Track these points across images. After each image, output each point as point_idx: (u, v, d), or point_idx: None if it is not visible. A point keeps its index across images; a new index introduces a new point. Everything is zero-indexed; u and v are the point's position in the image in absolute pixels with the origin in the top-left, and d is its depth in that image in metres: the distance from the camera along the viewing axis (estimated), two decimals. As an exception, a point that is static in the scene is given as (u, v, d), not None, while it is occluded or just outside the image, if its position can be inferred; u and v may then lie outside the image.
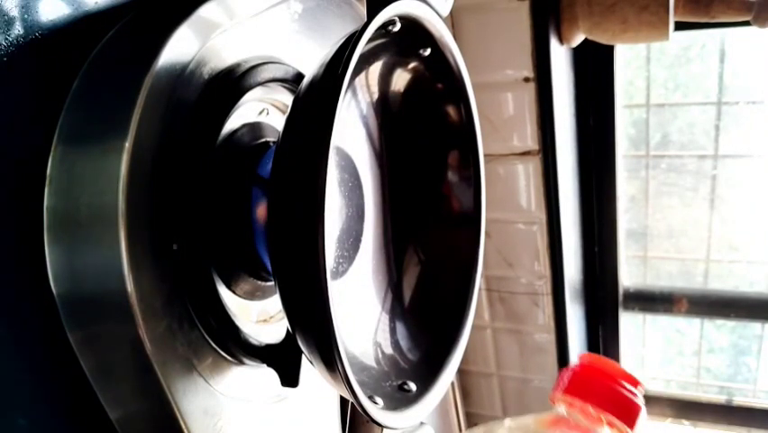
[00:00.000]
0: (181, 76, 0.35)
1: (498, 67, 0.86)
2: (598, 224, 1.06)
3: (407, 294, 0.49)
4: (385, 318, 0.47)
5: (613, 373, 0.30)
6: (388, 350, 0.45)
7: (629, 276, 1.14)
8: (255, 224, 0.40)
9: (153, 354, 0.32)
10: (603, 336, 1.14)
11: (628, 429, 0.29)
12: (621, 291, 1.11)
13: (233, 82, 0.38)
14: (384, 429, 0.47)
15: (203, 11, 0.36)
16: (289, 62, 0.43)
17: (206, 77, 0.37)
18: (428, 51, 0.44)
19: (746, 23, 0.76)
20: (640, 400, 0.29)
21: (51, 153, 0.33)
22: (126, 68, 0.34)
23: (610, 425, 0.29)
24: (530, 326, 1.05)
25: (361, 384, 0.34)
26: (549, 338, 1.04)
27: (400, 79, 0.46)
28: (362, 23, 0.33)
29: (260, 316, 0.44)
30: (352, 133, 0.46)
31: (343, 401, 0.50)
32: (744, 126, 1.02)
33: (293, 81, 0.43)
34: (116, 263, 0.31)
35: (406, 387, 0.42)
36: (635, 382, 0.30)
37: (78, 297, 0.33)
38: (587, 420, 0.29)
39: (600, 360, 0.30)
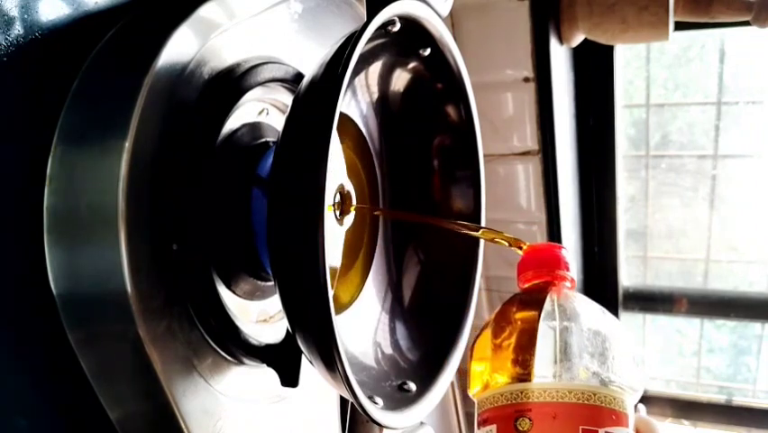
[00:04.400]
0: (181, 76, 0.35)
1: (498, 67, 0.86)
2: (598, 224, 1.06)
3: (407, 294, 0.49)
4: (385, 318, 0.47)
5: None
6: (388, 350, 0.45)
7: (629, 276, 1.14)
8: (255, 224, 0.40)
9: (153, 354, 0.32)
10: (603, 336, 1.14)
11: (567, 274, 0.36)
12: (621, 291, 1.11)
13: (233, 82, 0.38)
14: (384, 429, 0.47)
15: (203, 11, 0.36)
16: (289, 62, 0.43)
17: (206, 77, 0.37)
18: (428, 51, 0.44)
19: (746, 23, 0.76)
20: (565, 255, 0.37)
21: (51, 153, 0.32)
22: (126, 68, 0.34)
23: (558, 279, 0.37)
24: (530, 326, 1.04)
25: (361, 384, 0.34)
26: (549, 338, 1.04)
27: (400, 79, 0.46)
28: (362, 22, 0.33)
29: (260, 316, 0.44)
30: (351, 133, 0.46)
31: (343, 401, 0.50)
32: (744, 126, 1.02)
33: (293, 81, 0.43)
34: (116, 263, 0.31)
35: (405, 387, 0.42)
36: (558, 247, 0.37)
37: (78, 297, 0.33)
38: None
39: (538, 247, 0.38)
